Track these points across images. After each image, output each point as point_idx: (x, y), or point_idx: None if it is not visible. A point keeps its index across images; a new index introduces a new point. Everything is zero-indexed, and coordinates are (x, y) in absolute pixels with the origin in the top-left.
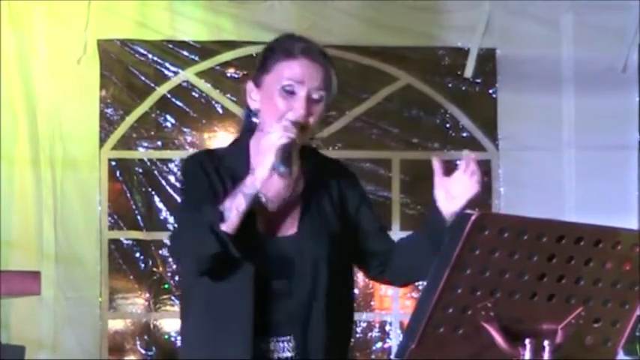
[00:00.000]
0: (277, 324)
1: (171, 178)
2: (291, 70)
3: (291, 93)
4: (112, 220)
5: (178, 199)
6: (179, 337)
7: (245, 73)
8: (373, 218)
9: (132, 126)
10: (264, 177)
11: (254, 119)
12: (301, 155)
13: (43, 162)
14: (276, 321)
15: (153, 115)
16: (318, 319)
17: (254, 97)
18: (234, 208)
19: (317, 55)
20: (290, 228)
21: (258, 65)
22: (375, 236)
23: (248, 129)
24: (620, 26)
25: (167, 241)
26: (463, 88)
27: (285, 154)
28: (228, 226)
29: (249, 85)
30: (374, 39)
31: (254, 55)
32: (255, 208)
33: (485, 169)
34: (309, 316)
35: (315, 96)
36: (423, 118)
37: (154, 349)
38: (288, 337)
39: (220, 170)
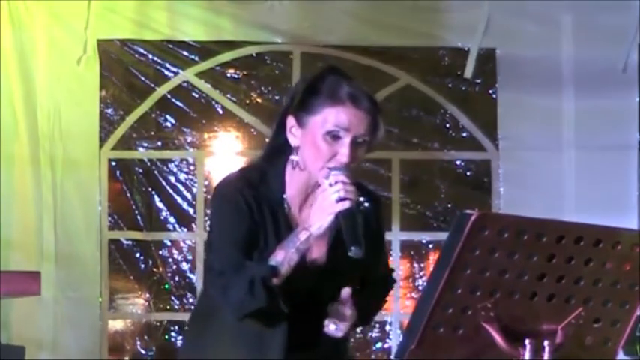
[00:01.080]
0: (301, 348)
1: (172, 178)
2: (337, 117)
3: (337, 138)
4: (112, 220)
5: (180, 200)
6: (179, 337)
7: (245, 73)
8: (385, 259)
9: (132, 126)
10: (320, 235)
11: (293, 157)
12: None
13: (43, 162)
14: (300, 344)
15: (153, 115)
16: (340, 344)
17: (295, 133)
18: (286, 263)
19: (363, 100)
20: (319, 254)
21: (301, 102)
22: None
23: (279, 151)
24: (620, 26)
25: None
26: (463, 88)
27: (351, 224)
28: (279, 280)
29: (290, 120)
30: (374, 39)
31: (254, 55)
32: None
33: (485, 169)
34: (331, 341)
35: (360, 140)
36: (423, 118)
37: (153, 349)
38: None
39: (259, 200)
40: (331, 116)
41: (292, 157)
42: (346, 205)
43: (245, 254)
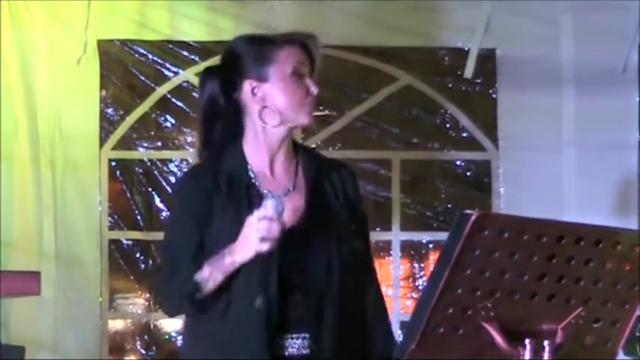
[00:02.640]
0: (293, 320)
1: (172, 178)
2: (291, 57)
3: (300, 76)
4: (112, 220)
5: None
6: (179, 337)
7: None
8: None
9: (132, 126)
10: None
11: (260, 120)
12: (297, 153)
13: (43, 162)
14: (292, 317)
15: (153, 115)
16: (330, 316)
17: (258, 93)
18: (211, 281)
19: (294, 37)
20: (298, 222)
21: (253, 63)
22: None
23: (227, 139)
24: (620, 26)
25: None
26: (463, 88)
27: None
28: (202, 295)
29: (250, 84)
30: (374, 39)
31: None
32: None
33: (485, 169)
34: (322, 312)
35: (310, 73)
36: (423, 118)
37: (154, 349)
38: (305, 335)
39: (221, 174)
40: (287, 58)
41: (261, 120)
42: (264, 247)
43: (186, 249)
